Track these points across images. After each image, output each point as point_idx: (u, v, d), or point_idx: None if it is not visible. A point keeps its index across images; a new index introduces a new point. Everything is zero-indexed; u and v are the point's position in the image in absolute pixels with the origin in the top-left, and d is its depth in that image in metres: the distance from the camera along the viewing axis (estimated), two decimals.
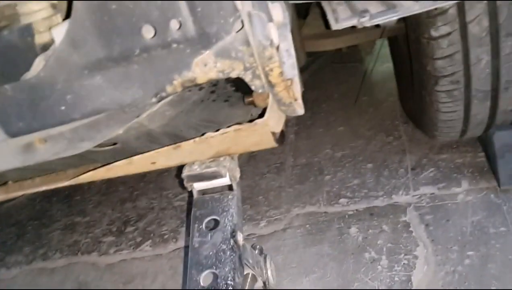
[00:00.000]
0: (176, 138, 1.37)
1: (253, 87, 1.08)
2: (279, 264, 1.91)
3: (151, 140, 1.41)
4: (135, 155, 1.28)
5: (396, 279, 1.76)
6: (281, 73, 1.03)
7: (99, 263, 2.22)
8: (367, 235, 1.94)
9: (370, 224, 1.98)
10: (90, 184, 2.95)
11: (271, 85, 1.05)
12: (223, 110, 1.41)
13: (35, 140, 1.17)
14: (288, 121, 1.33)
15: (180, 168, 2.77)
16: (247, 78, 1.07)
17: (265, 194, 2.34)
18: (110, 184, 2.88)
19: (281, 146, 2.67)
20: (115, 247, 2.29)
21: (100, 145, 1.33)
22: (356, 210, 2.07)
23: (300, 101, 1.15)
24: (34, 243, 2.51)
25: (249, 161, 2.59)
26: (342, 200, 2.14)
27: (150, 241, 2.27)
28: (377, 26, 2.30)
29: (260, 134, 1.17)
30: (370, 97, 2.87)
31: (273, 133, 1.19)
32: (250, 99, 1.14)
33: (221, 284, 1.14)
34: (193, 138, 1.18)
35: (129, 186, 2.79)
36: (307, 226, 2.07)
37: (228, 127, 1.15)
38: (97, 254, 2.28)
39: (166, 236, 2.27)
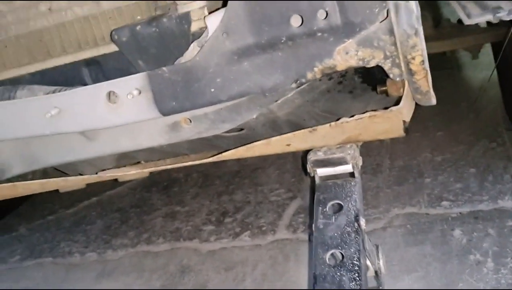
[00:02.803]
0: (296, 127, 1.44)
1: (391, 75, 1.13)
2: None
3: (273, 128, 1.49)
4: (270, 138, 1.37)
5: (503, 281, 1.72)
6: (423, 62, 1.08)
7: (200, 249, 2.33)
8: (471, 237, 1.91)
9: (475, 227, 1.95)
10: (187, 177, 3.11)
11: (412, 73, 1.10)
12: (345, 102, 1.46)
13: (181, 120, 1.28)
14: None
15: (274, 166, 2.86)
16: (386, 66, 1.12)
17: (362, 193, 2.36)
18: (206, 178, 3.02)
19: (377, 147, 2.70)
20: (215, 235, 2.40)
21: (227, 131, 1.44)
22: (460, 213, 2.05)
23: (432, 91, 1.19)
24: (138, 228, 2.67)
25: None
26: (444, 203, 2.13)
27: (248, 231, 2.35)
28: (485, 30, 2.28)
29: (392, 122, 1.22)
30: (469, 103, 2.82)
31: (404, 122, 1.23)
32: (384, 88, 1.19)
33: (347, 264, 1.19)
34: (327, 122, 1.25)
35: (224, 180, 2.91)
36: (408, 226, 2.07)
37: (363, 113, 1.21)
38: (198, 241, 2.39)
39: (264, 228, 2.35)
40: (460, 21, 2.22)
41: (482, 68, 2.99)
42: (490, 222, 1.96)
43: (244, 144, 1.47)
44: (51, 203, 3.28)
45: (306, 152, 1.42)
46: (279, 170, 2.83)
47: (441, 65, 3.31)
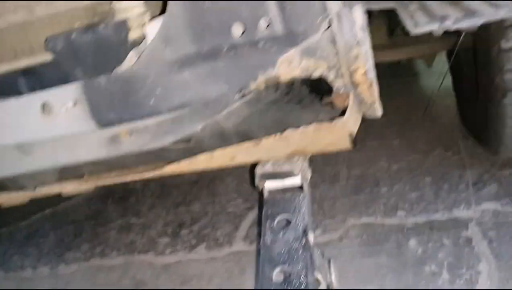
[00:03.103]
0: (245, 138, 1.39)
1: (335, 87, 1.10)
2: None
3: (222, 139, 1.44)
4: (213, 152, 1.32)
5: None
6: (365, 73, 1.05)
7: (155, 263, 2.26)
8: (427, 248, 1.91)
9: (430, 238, 1.95)
10: (144, 187, 3.03)
11: (355, 84, 1.07)
12: (294, 112, 1.43)
13: (121, 132, 1.22)
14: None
15: (232, 176, 2.82)
16: (330, 77, 1.09)
17: (319, 203, 2.34)
18: (164, 188, 2.94)
19: (335, 156, 2.68)
20: (171, 248, 2.33)
21: (174, 142, 1.38)
22: (415, 223, 2.05)
23: (378, 102, 1.16)
24: (92, 241, 2.58)
25: None
26: (400, 213, 2.12)
27: (205, 244, 2.30)
28: (441, 38, 2.29)
29: (338, 134, 1.19)
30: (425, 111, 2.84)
31: (350, 134, 1.21)
32: (330, 99, 1.16)
33: (294, 281, 1.15)
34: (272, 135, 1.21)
35: (182, 190, 2.85)
36: (364, 236, 2.06)
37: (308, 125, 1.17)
38: (153, 254, 2.32)
39: (220, 240, 2.30)
40: None
41: (438, 76, 3.01)
42: (445, 232, 1.96)
43: (194, 155, 1.42)
44: (4, 215, 3.14)
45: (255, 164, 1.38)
46: (237, 180, 2.79)
47: (398, 73, 3.34)
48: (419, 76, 3.34)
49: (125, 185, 3.09)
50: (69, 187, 1.52)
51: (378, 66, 3.13)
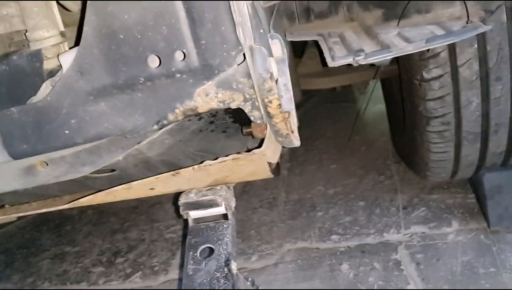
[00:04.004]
0: (173, 166, 1.39)
1: (252, 118, 1.12)
2: None
3: (148, 168, 1.43)
4: (131, 182, 1.31)
5: None
6: (280, 105, 1.08)
7: None
8: (358, 272, 1.94)
9: (362, 261, 1.98)
10: (81, 213, 2.94)
11: (270, 116, 1.09)
12: (220, 141, 1.44)
13: (36, 163, 1.20)
14: (281, 157, 1.37)
15: (172, 200, 2.78)
16: (247, 109, 1.11)
17: (257, 228, 2.35)
18: (101, 214, 2.87)
19: (275, 180, 2.70)
20: (105, 278, 2.27)
21: (98, 172, 1.36)
22: (348, 247, 2.08)
23: (296, 133, 1.19)
24: (23, 272, 2.48)
25: (242, 195, 2.61)
26: (333, 237, 2.16)
27: (140, 272, 2.25)
28: (372, 66, 2.38)
29: (257, 164, 1.20)
30: (362, 136, 2.93)
31: (270, 164, 1.22)
32: (249, 130, 1.17)
33: None
34: (192, 165, 1.21)
35: (120, 217, 2.79)
36: (299, 261, 2.07)
37: (226, 156, 1.18)
38: (86, 285, 2.25)
39: (156, 268, 2.26)
40: None
41: (376, 101, 3.12)
42: (376, 255, 2.00)
43: (121, 184, 1.40)
44: None
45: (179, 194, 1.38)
46: (177, 205, 2.75)
47: (339, 99, 3.43)
48: (358, 101, 3.44)
49: (61, 212, 3.00)
50: None
51: (318, 92, 3.18)
